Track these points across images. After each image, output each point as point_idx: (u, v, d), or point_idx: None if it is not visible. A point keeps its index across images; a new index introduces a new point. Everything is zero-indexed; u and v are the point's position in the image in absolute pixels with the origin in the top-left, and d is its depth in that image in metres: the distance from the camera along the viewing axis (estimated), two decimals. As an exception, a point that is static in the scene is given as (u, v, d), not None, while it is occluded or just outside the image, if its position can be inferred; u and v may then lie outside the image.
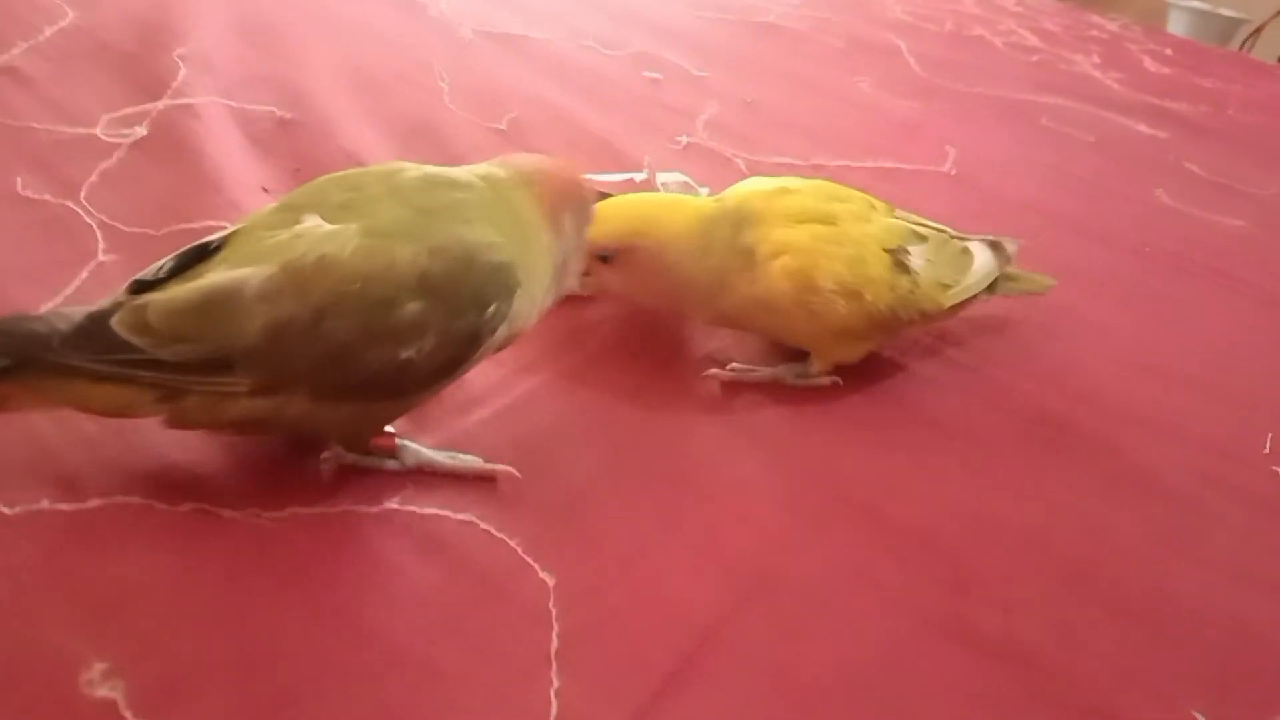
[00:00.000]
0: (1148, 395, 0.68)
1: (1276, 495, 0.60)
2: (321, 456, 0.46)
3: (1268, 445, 0.65)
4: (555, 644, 0.41)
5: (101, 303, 0.40)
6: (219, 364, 0.39)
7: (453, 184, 0.46)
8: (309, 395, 0.41)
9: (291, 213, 0.43)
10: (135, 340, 0.38)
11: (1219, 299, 0.86)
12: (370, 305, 0.41)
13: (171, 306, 0.39)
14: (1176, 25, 2.90)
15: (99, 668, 0.34)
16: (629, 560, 0.46)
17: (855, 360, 0.62)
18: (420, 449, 0.47)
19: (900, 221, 0.63)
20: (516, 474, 0.48)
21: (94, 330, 0.38)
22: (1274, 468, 0.63)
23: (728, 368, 0.60)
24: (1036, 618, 0.48)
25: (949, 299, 0.63)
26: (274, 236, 0.41)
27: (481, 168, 0.49)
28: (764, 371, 0.61)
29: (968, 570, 0.50)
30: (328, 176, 0.47)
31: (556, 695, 0.38)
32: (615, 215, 0.58)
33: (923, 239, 0.63)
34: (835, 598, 0.47)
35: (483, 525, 0.46)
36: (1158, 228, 0.98)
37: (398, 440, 0.47)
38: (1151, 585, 0.51)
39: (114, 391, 0.40)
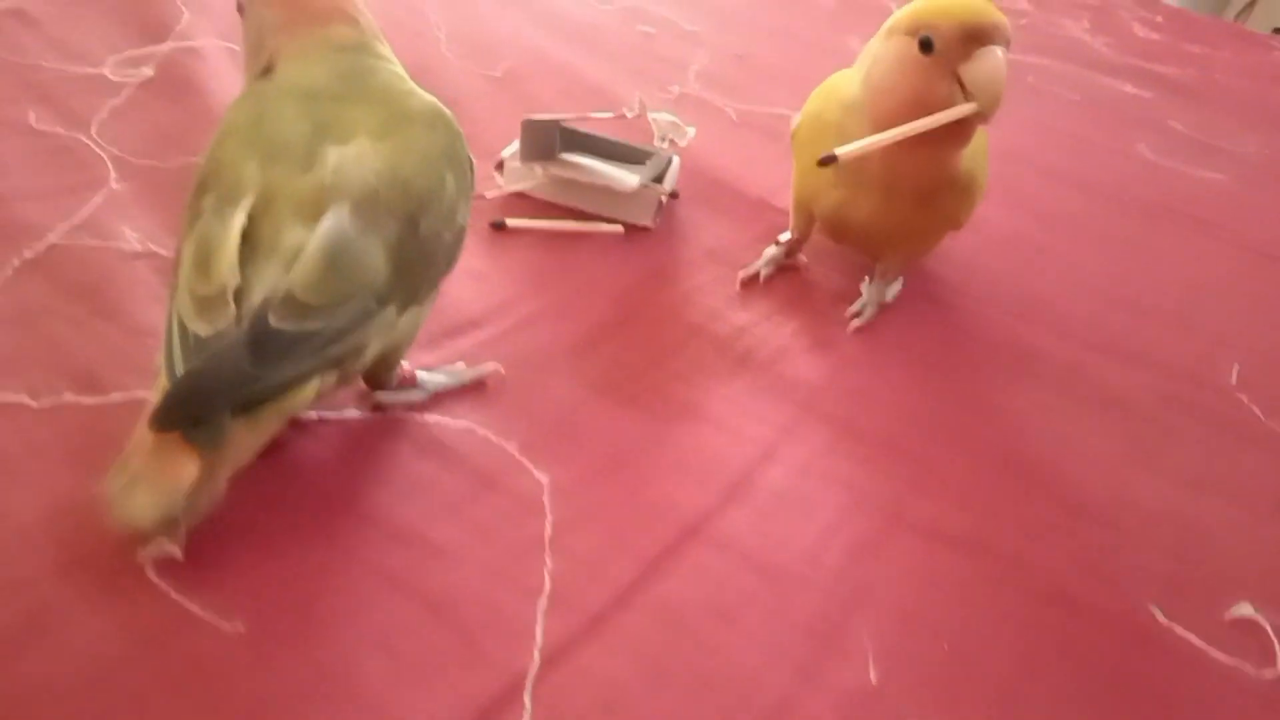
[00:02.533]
0: (1117, 325, 0.71)
1: (1239, 417, 0.63)
2: (371, 405, 0.47)
3: (1234, 376, 0.68)
4: (549, 531, 0.43)
5: (220, 326, 0.36)
6: (374, 303, 0.40)
7: (353, 63, 0.46)
8: (399, 306, 0.42)
9: (280, 156, 0.41)
10: (310, 326, 0.37)
11: (1195, 243, 0.88)
12: (433, 192, 0.43)
13: (311, 280, 0.37)
14: (1169, -5, 2.90)
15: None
16: (617, 464, 0.49)
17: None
18: (431, 375, 0.50)
19: None
20: (501, 370, 0.51)
21: (267, 339, 0.36)
22: (1239, 395, 0.66)
23: (857, 315, 0.65)
24: (999, 516, 0.51)
25: None
26: (304, 176, 0.40)
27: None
28: (872, 305, 0.65)
29: (934, 475, 0.53)
30: (245, 114, 0.44)
31: (550, 574, 0.41)
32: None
33: None
34: (808, 498, 0.49)
35: (480, 431, 0.49)
36: (1138, 178, 1.01)
37: (416, 372, 0.49)
38: (1111, 491, 0.54)
39: (308, 388, 0.38)
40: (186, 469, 0.34)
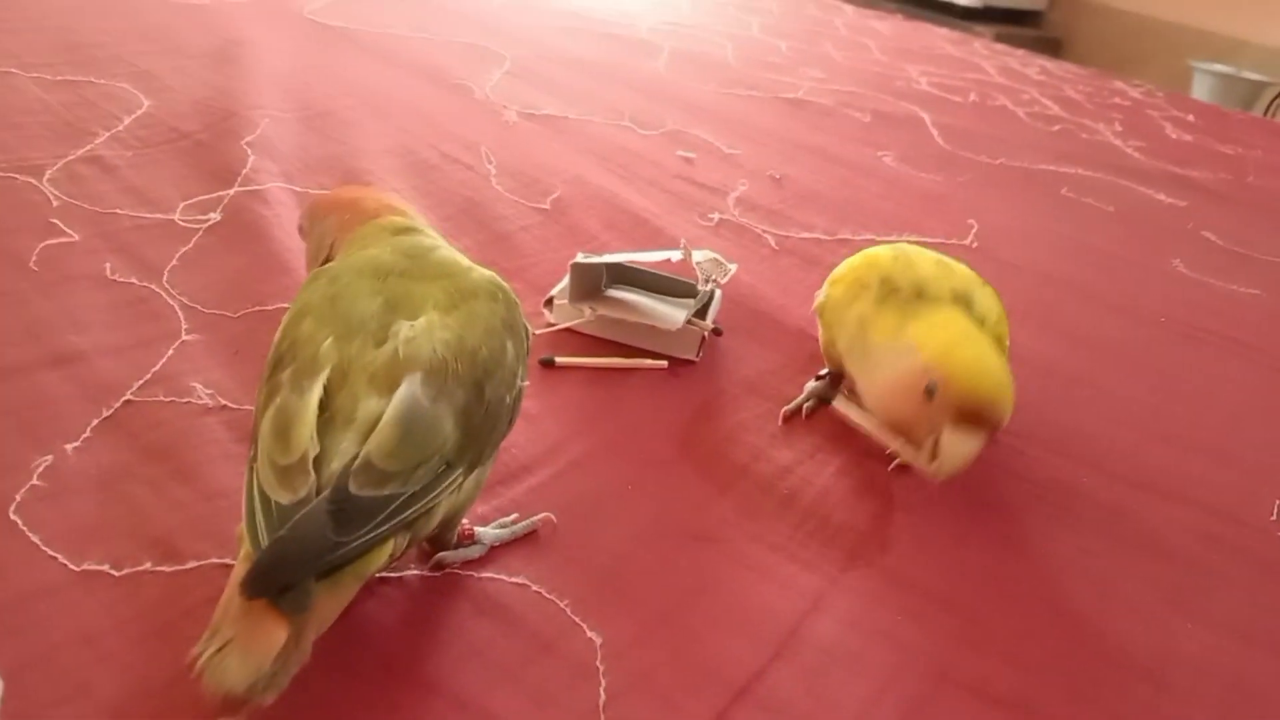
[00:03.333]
0: (1157, 461, 0.72)
1: (1281, 559, 0.64)
2: (431, 565, 0.49)
3: (1275, 511, 0.68)
4: (603, 698, 0.45)
5: (301, 494, 0.38)
6: (444, 467, 0.42)
7: (413, 243, 0.51)
8: (466, 469, 0.44)
9: (356, 332, 0.44)
10: (387, 491, 0.39)
11: (1231, 367, 0.89)
12: (496, 360, 0.46)
13: (388, 447, 0.39)
14: (1200, 89, 2.94)
15: (189, 696, 0.39)
16: (667, 619, 0.50)
17: None
18: (487, 530, 0.52)
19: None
20: (554, 519, 0.54)
21: (348, 506, 0.38)
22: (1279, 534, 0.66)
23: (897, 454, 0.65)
24: (1046, 673, 0.51)
25: None
26: (378, 350, 0.43)
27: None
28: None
29: (980, 629, 0.53)
30: (320, 292, 0.47)
31: (604, 743, 0.42)
32: (1007, 387, 0.56)
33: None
34: (858, 654, 0.50)
35: (534, 587, 0.50)
36: (1174, 298, 1.02)
37: (475, 529, 0.51)
38: (1156, 643, 0.55)
39: (382, 549, 0.40)
40: (276, 635, 0.35)
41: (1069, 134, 1.62)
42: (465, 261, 0.51)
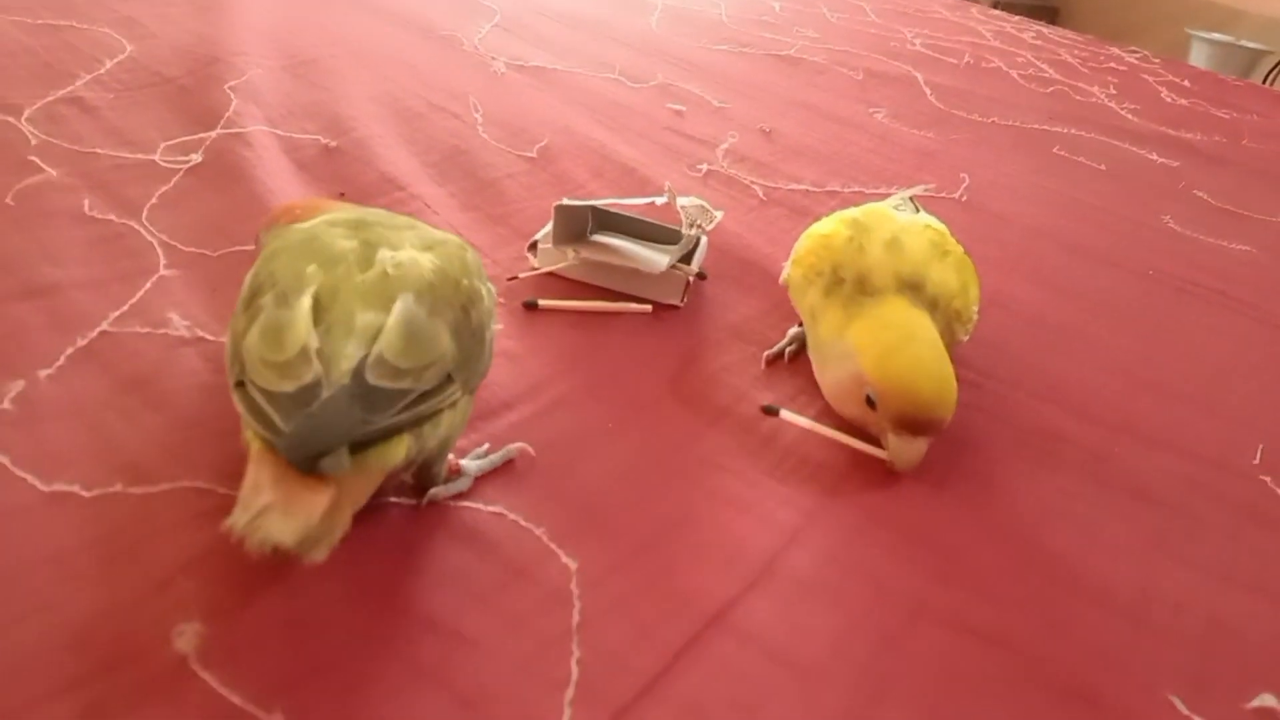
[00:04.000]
0: (1142, 409, 0.72)
1: (1263, 502, 0.63)
2: (423, 501, 0.49)
3: (1258, 456, 0.68)
4: (577, 619, 0.45)
5: (306, 380, 0.40)
6: (446, 378, 0.44)
7: (373, 209, 0.53)
8: (463, 388, 0.46)
9: (338, 261, 0.45)
10: (401, 384, 0.41)
11: (1220, 319, 0.89)
12: (476, 293, 0.48)
13: (396, 348, 0.41)
14: (1198, 57, 2.93)
15: (177, 618, 0.39)
16: (644, 549, 0.50)
17: None
18: (470, 463, 0.52)
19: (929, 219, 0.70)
20: (530, 450, 0.54)
21: (369, 392, 0.40)
22: (1262, 477, 0.66)
23: None
24: (1024, 609, 0.51)
25: None
26: (365, 273, 0.45)
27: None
28: None
29: (961, 566, 0.53)
30: (291, 239, 0.48)
31: (578, 664, 0.42)
32: (952, 383, 0.57)
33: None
34: (833, 588, 0.50)
35: (510, 516, 0.50)
36: (1164, 252, 1.01)
37: (460, 462, 0.52)
38: (1137, 583, 0.55)
39: (400, 442, 0.42)
40: (319, 495, 0.38)
41: (1062, 95, 1.61)
42: (425, 225, 0.52)
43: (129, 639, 0.39)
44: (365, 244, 0.47)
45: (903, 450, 0.57)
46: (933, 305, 0.61)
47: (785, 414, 0.63)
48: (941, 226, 0.68)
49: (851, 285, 0.61)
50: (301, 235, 0.48)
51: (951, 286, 0.62)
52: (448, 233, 0.52)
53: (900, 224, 0.65)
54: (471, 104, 1.03)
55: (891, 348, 0.57)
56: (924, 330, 0.59)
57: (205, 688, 0.37)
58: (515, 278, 0.73)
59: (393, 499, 0.49)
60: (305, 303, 0.43)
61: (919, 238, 0.64)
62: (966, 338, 0.64)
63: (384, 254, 0.46)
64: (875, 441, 0.60)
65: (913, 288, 0.61)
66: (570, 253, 0.73)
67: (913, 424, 0.56)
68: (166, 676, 0.37)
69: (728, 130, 1.12)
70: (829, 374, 0.62)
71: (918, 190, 0.82)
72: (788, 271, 0.68)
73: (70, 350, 0.55)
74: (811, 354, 0.65)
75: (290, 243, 0.47)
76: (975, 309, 0.65)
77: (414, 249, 0.47)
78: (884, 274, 0.61)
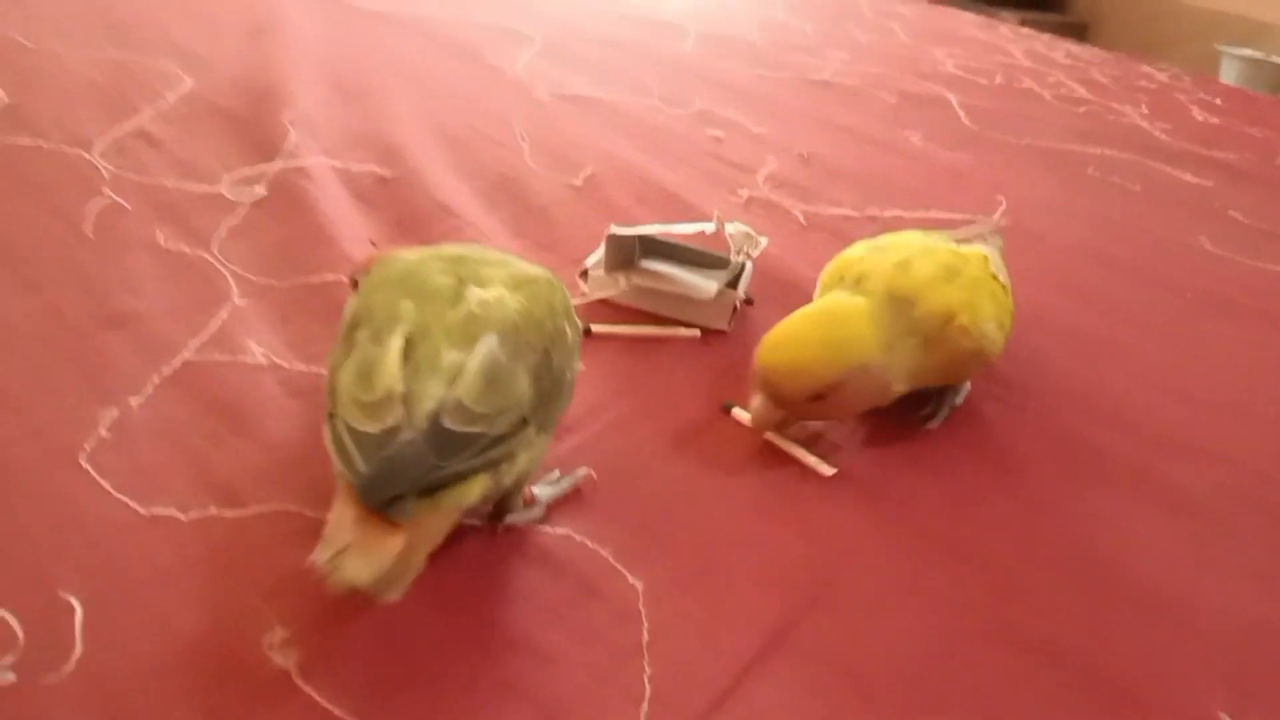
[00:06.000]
0: (1182, 422, 0.73)
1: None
2: (500, 528, 0.51)
3: (1297, 470, 0.69)
4: (646, 637, 0.47)
5: (389, 423, 0.42)
6: (521, 420, 0.46)
7: (466, 245, 0.56)
8: (540, 429, 0.48)
9: (431, 298, 0.47)
10: (476, 429, 0.43)
11: (1257, 337, 0.90)
12: (559, 334, 0.50)
13: (474, 392, 0.43)
14: (1228, 74, 2.92)
15: (280, 634, 0.42)
16: (706, 569, 0.52)
17: None
18: (542, 490, 0.54)
19: (976, 245, 0.71)
20: (594, 475, 0.56)
21: (444, 436, 0.42)
22: (1302, 491, 0.67)
23: (929, 418, 0.68)
24: (1074, 621, 0.53)
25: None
26: (454, 311, 0.47)
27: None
28: (946, 406, 0.69)
29: (1012, 581, 0.55)
30: (394, 271, 0.50)
31: (649, 680, 0.44)
32: (812, 354, 0.59)
33: (987, 252, 0.70)
34: (891, 605, 0.52)
35: (578, 538, 0.52)
36: (1200, 272, 1.03)
37: (534, 490, 0.54)
38: (1182, 592, 0.56)
39: (475, 483, 0.44)
40: (393, 539, 0.40)
41: (1095, 115, 1.62)
42: (517, 258, 0.54)
43: (235, 653, 0.41)
44: (459, 280, 0.49)
45: (750, 401, 0.61)
46: (921, 323, 0.62)
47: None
48: (985, 253, 0.70)
49: (849, 286, 0.65)
50: (402, 269, 0.50)
51: (952, 305, 0.63)
52: (539, 269, 0.53)
53: (920, 248, 0.67)
54: (517, 132, 1.06)
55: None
56: (824, 306, 0.64)
57: (308, 700, 0.40)
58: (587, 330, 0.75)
59: (469, 522, 0.51)
60: (396, 344, 0.45)
61: (931, 260, 0.66)
62: (980, 348, 0.65)
63: (472, 291, 0.48)
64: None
65: (904, 300, 0.63)
66: (621, 280, 0.75)
67: (753, 370, 0.61)
68: (273, 689, 0.40)
69: (766, 155, 1.14)
70: None
71: (994, 223, 0.83)
72: (817, 295, 0.71)
73: (157, 378, 0.58)
74: None
75: (392, 275, 0.50)
76: (990, 326, 0.65)
77: (504, 287, 0.49)
78: (878, 279, 0.64)
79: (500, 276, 0.50)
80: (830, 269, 0.70)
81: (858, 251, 0.69)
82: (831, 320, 0.62)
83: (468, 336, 0.45)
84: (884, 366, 0.61)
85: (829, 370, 0.59)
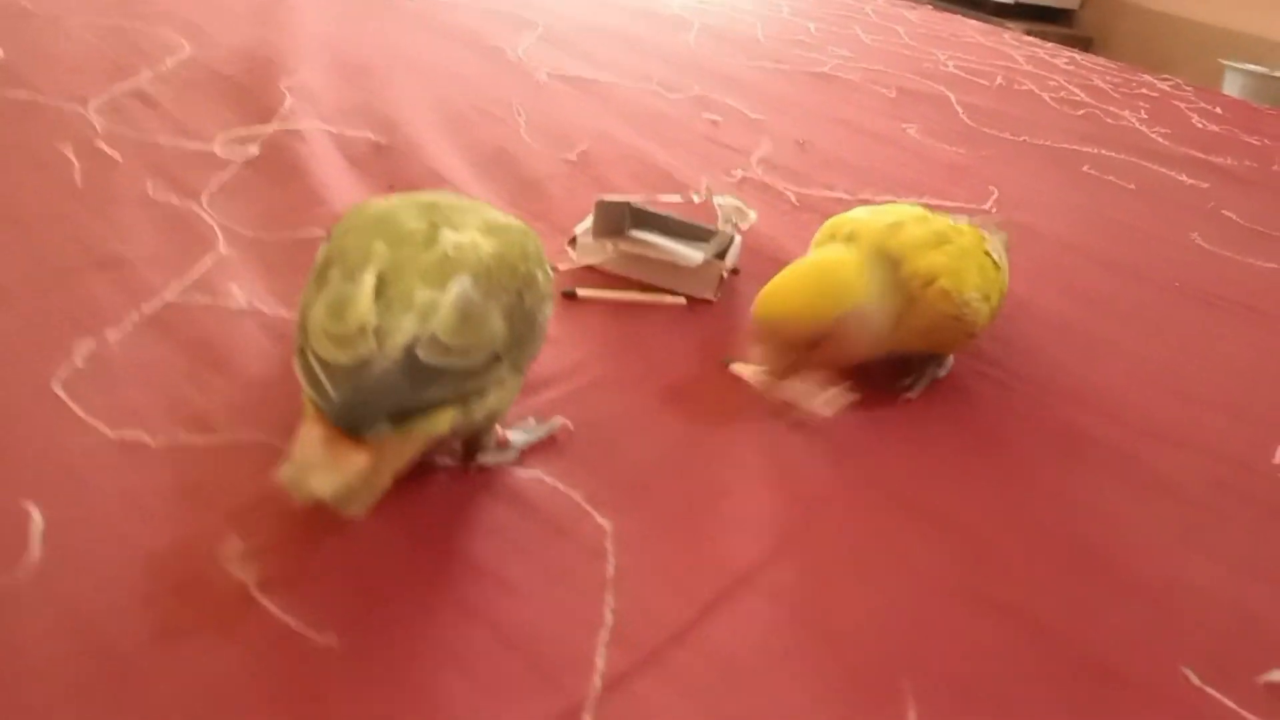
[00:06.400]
0: (1169, 413, 0.73)
1: (1283, 499, 0.65)
2: (473, 467, 0.52)
3: (1278, 456, 0.69)
4: (611, 572, 0.47)
5: (362, 353, 0.42)
6: (494, 357, 0.46)
7: (442, 192, 0.56)
8: (512, 368, 0.48)
9: (405, 240, 0.47)
10: (449, 362, 0.43)
11: (1245, 331, 0.90)
12: (531, 278, 0.50)
13: (449, 327, 0.44)
14: (1231, 87, 2.93)
15: (237, 545, 0.42)
16: (676, 516, 0.52)
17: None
18: (517, 435, 0.54)
19: (966, 225, 0.72)
20: (569, 425, 0.56)
21: (417, 368, 0.42)
22: (1282, 476, 0.67)
23: (908, 388, 0.68)
24: (1049, 592, 0.53)
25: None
26: (428, 253, 0.47)
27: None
28: (925, 377, 0.69)
29: (988, 551, 0.55)
30: (367, 215, 0.50)
31: (612, 612, 0.45)
32: (808, 301, 0.61)
33: (986, 237, 0.71)
34: (862, 561, 0.52)
35: (549, 480, 0.52)
36: (1191, 267, 1.03)
37: (508, 434, 0.54)
38: (1163, 572, 0.56)
39: (445, 414, 0.44)
40: (359, 456, 0.40)
41: (1094, 118, 1.62)
42: (492, 208, 0.55)
43: (195, 568, 0.41)
44: (431, 225, 0.49)
45: (752, 352, 0.63)
46: (905, 283, 0.64)
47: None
48: (983, 234, 0.71)
49: (841, 242, 0.66)
50: (375, 213, 0.50)
51: (936, 268, 0.64)
52: (512, 218, 0.54)
53: (915, 215, 0.68)
54: (515, 110, 1.07)
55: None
56: (815, 259, 0.65)
57: (264, 612, 0.40)
58: (555, 269, 0.75)
59: (442, 462, 0.51)
60: (369, 279, 0.45)
61: (922, 226, 0.67)
62: (960, 315, 0.65)
63: (446, 235, 0.48)
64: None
65: (890, 259, 0.64)
66: (609, 246, 0.76)
67: (753, 321, 0.62)
68: (229, 600, 0.40)
69: (762, 140, 1.14)
70: None
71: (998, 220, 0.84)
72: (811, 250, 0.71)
73: (137, 316, 0.58)
74: None
75: (364, 220, 0.50)
76: (974, 295, 0.66)
77: (477, 232, 0.49)
78: (869, 237, 0.65)
79: (474, 222, 0.50)
80: (825, 226, 0.71)
81: (854, 213, 0.70)
82: (824, 270, 0.63)
83: (442, 276, 0.46)
84: (876, 312, 0.62)
85: (826, 315, 0.60)
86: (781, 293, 0.62)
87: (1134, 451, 0.68)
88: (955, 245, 0.67)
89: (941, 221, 0.69)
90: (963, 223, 0.74)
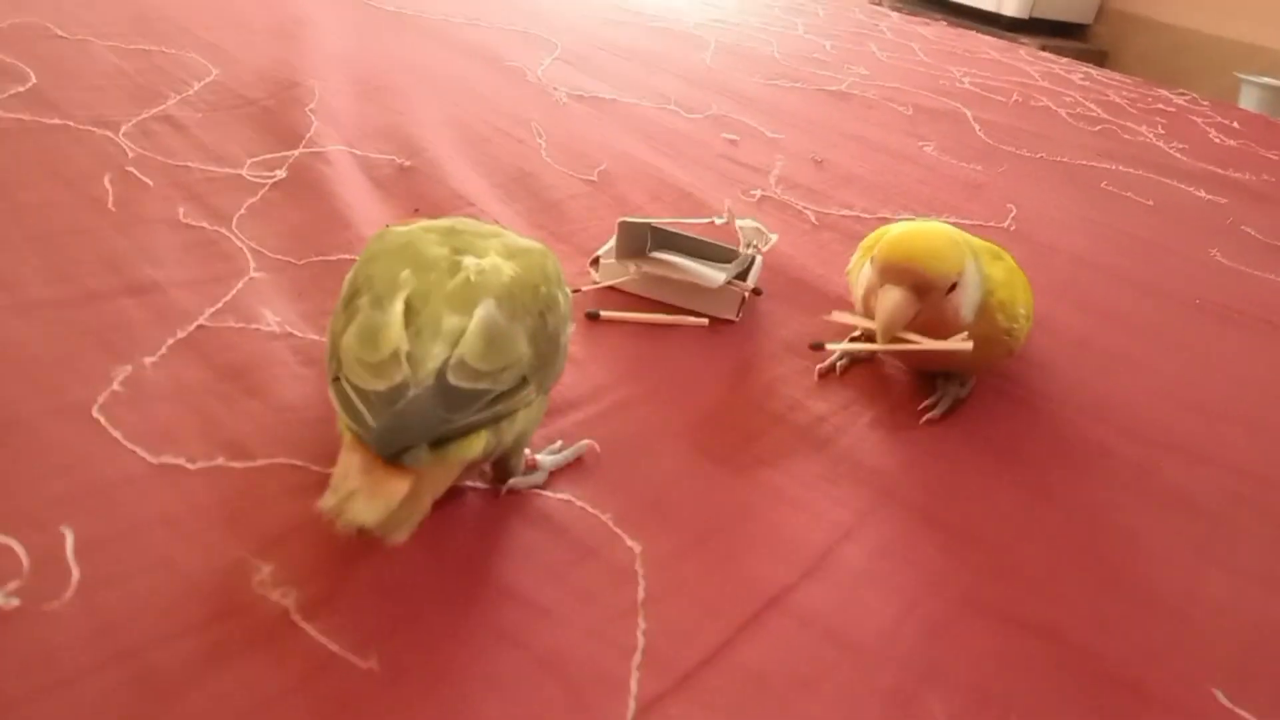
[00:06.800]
0: (1188, 427, 0.73)
1: (1306, 517, 0.65)
2: (504, 490, 0.53)
3: (1301, 474, 0.69)
4: (642, 595, 0.47)
5: (396, 381, 0.43)
6: (522, 380, 0.47)
7: (461, 218, 0.56)
8: (538, 390, 0.49)
9: (429, 267, 0.48)
10: (480, 386, 0.44)
11: (1266, 347, 0.90)
12: (553, 299, 0.51)
13: (477, 352, 0.45)
14: (1248, 101, 2.92)
15: (267, 570, 0.43)
16: (704, 538, 0.53)
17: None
18: (545, 458, 0.55)
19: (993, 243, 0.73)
20: (596, 446, 0.57)
21: (450, 392, 0.43)
22: (1306, 494, 0.67)
23: (930, 408, 0.69)
24: (1072, 605, 0.53)
25: None
26: (452, 279, 0.48)
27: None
28: (948, 398, 0.70)
29: (1010, 564, 0.55)
30: (390, 243, 0.51)
31: (643, 634, 0.45)
32: (948, 245, 0.62)
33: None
34: (887, 578, 0.53)
35: (578, 503, 0.53)
36: (1210, 283, 1.03)
37: (536, 456, 0.55)
38: (1182, 586, 0.56)
39: (479, 438, 0.45)
40: (399, 484, 0.41)
41: (1110, 134, 1.63)
42: (511, 231, 0.56)
43: (237, 593, 0.42)
44: (454, 251, 0.50)
45: (882, 301, 0.62)
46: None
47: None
48: (1013, 261, 0.72)
49: None
50: (398, 241, 0.51)
51: (998, 279, 0.66)
52: (532, 240, 0.55)
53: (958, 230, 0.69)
54: (535, 130, 1.08)
55: (897, 228, 0.65)
56: (932, 223, 0.65)
57: (306, 637, 0.41)
58: (579, 290, 0.76)
59: (472, 485, 0.52)
60: (398, 307, 0.46)
61: (980, 243, 0.68)
62: (1009, 330, 0.67)
63: (469, 261, 0.49)
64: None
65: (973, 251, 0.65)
66: (631, 267, 0.76)
67: (885, 270, 0.61)
68: (272, 625, 0.41)
69: (780, 159, 1.15)
70: (864, 290, 0.67)
71: None
72: (853, 260, 0.74)
73: (171, 341, 0.59)
74: (868, 301, 0.67)
75: (388, 247, 0.51)
76: (1021, 311, 0.68)
77: (498, 256, 0.50)
78: None
79: (494, 247, 0.51)
80: (869, 238, 0.72)
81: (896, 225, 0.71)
82: (947, 229, 0.65)
83: (467, 302, 0.47)
84: (973, 288, 0.64)
85: (960, 262, 0.62)
86: (918, 237, 0.62)
87: (1153, 466, 0.68)
88: (1007, 262, 0.68)
89: (990, 244, 0.71)
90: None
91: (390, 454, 0.41)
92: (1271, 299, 1.02)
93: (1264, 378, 0.84)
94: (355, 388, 0.44)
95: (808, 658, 0.46)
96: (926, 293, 0.61)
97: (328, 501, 0.40)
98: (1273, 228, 1.26)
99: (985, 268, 0.66)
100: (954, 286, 0.62)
